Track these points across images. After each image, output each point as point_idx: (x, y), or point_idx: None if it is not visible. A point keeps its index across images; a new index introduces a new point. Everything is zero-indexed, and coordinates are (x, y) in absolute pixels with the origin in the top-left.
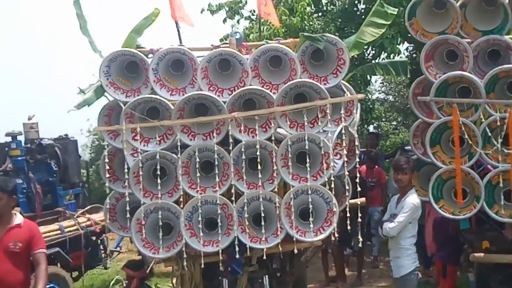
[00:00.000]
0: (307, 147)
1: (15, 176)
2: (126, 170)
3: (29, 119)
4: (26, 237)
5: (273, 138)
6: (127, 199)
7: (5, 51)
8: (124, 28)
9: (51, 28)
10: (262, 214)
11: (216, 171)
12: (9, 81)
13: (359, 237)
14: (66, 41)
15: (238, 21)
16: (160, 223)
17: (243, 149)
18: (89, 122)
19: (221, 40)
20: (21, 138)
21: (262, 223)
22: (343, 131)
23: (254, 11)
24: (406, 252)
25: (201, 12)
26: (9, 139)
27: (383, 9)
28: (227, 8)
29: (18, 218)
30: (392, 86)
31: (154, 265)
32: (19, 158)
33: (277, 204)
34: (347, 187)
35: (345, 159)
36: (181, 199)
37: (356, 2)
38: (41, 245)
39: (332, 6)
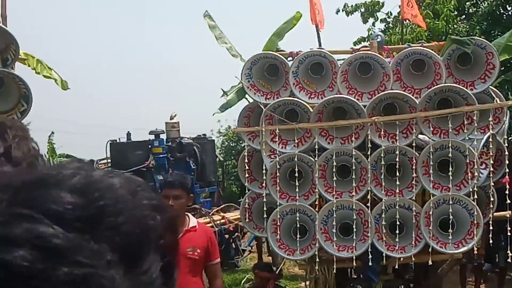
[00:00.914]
0: (450, 154)
1: (156, 172)
2: (264, 171)
3: (171, 118)
4: (205, 243)
5: (414, 144)
6: (264, 199)
7: (152, 54)
8: (261, 30)
9: (193, 30)
10: (398, 222)
11: (353, 176)
12: (153, 82)
13: (508, 251)
14: (208, 43)
15: (373, 24)
16: (298, 225)
17: (382, 155)
18: (219, 123)
19: (355, 43)
20: (163, 136)
21: (398, 231)
22: (490, 140)
23: (390, 13)
24: None
25: (337, 13)
26: (152, 137)
27: None
28: (363, 9)
29: (192, 220)
30: None
31: (283, 266)
32: (161, 155)
33: (415, 213)
34: (491, 199)
35: (491, 169)
36: (317, 202)
37: (504, 3)
38: (217, 254)
39: (475, 9)
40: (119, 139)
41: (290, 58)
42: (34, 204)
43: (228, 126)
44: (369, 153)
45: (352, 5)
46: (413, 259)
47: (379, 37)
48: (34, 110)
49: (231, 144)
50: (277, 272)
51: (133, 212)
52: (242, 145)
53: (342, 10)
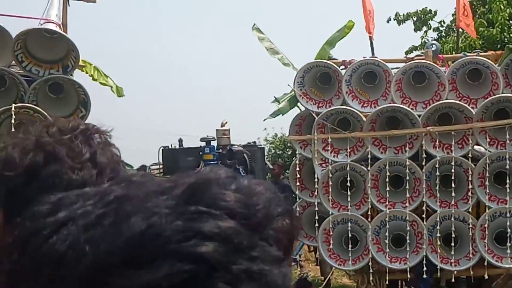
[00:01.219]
0: (508, 166)
1: None
2: (316, 180)
3: (222, 125)
4: None
5: (469, 155)
6: (316, 208)
7: (204, 63)
8: (313, 39)
9: (246, 37)
10: (453, 235)
11: (407, 187)
12: (202, 89)
13: None
14: (259, 51)
15: (425, 32)
16: (350, 235)
17: (437, 165)
18: (266, 131)
19: (407, 52)
20: (214, 143)
21: (453, 244)
22: None
23: (443, 22)
24: None
25: (387, 21)
26: (203, 143)
27: None
28: (414, 18)
29: None
30: None
31: (331, 276)
32: (211, 162)
33: (471, 225)
34: None
35: None
36: (369, 213)
37: None
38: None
39: None
40: (171, 145)
41: (342, 67)
42: (208, 202)
43: (275, 134)
44: (423, 163)
45: (403, 14)
46: (472, 272)
47: (434, 46)
48: (91, 116)
49: (278, 152)
50: (325, 283)
51: (284, 216)
52: (289, 153)
53: (394, 19)
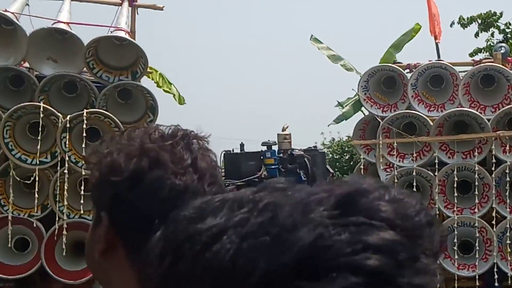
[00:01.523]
0: None
1: None
2: None
3: (283, 130)
4: None
5: None
6: None
7: (266, 66)
8: (375, 43)
9: (303, 43)
10: None
11: (475, 192)
12: (266, 95)
13: None
14: (317, 57)
15: (492, 35)
16: None
17: (507, 171)
18: (323, 136)
19: (471, 55)
20: (275, 148)
21: None
22: None
23: (509, 23)
24: None
25: (451, 25)
26: (264, 148)
27: None
28: (479, 21)
29: None
30: None
31: None
32: (273, 166)
33: None
34: None
35: None
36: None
37: None
38: None
39: None
40: (233, 149)
41: (407, 70)
42: (367, 213)
43: (332, 138)
44: (492, 168)
45: (467, 17)
46: None
47: (503, 48)
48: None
49: (335, 157)
50: None
51: (431, 226)
52: (346, 157)
53: (458, 23)
